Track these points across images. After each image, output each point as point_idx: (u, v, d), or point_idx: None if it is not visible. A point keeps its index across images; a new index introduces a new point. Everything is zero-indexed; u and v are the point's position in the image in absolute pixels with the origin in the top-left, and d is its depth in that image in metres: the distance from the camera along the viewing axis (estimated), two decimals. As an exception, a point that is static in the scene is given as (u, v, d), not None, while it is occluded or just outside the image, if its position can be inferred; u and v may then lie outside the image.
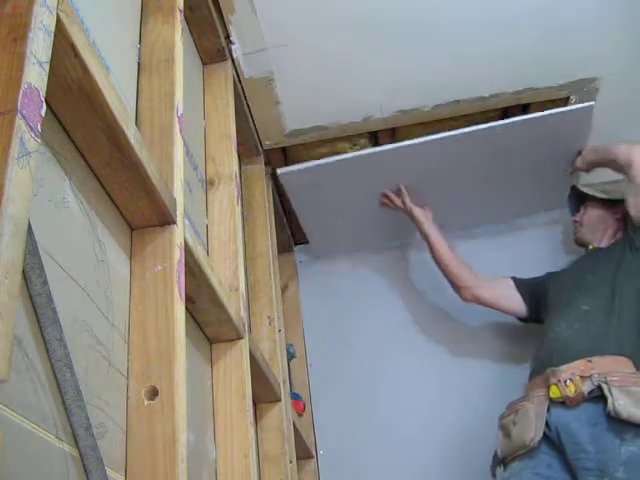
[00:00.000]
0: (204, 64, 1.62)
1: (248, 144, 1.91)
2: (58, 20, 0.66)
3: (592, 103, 1.92)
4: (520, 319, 2.09)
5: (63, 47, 0.69)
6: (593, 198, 2.07)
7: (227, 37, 1.64)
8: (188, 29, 1.51)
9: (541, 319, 2.01)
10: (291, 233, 2.47)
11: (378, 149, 1.99)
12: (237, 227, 1.44)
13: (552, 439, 1.63)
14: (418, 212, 2.12)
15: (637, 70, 1.88)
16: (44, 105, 0.60)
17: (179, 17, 1.16)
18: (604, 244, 2.01)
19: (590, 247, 2.04)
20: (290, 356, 2.08)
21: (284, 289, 2.37)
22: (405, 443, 2.16)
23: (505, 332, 2.21)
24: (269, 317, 1.72)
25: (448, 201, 2.22)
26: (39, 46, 0.61)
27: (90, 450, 0.71)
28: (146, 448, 0.82)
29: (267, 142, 1.99)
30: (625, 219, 1.95)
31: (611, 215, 2.03)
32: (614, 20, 1.73)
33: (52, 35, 0.64)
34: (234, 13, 1.59)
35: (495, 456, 1.75)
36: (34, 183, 0.58)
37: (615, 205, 2.01)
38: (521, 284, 2.07)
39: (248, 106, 1.84)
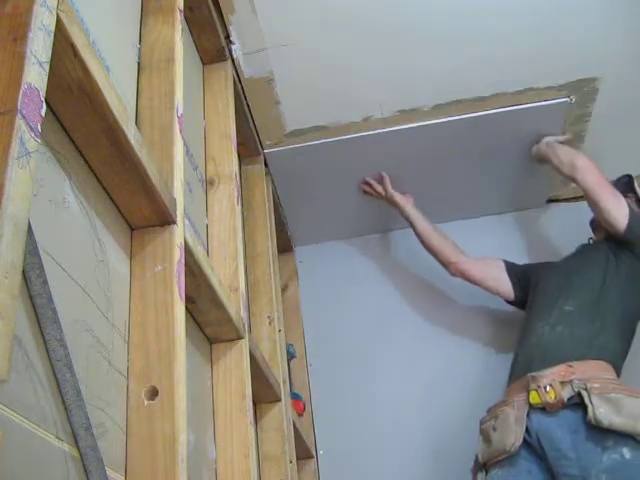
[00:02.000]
0: (204, 64, 1.62)
1: (248, 144, 1.91)
2: (58, 20, 0.66)
3: (566, 99, 1.93)
4: (507, 302, 2.10)
5: (63, 47, 0.69)
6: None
7: (227, 37, 1.64)
8: (188, 29, 1.51)
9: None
10: (290, 234, 2.47)
11: (362, 134, 1.99)
12: (237, 227, 1.44)
13: (532, 445, 1.62)
14: (399, 197, 2.16)
15: (637, 70, 1.88)
16: (44, 105, 0.60)
17: (179, 17, 1.16)
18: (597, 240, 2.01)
19: (590, 239, 2.03)
20: (290, 356, 2.08)
21: (284, 289, 2.37)
22: (405, 443, 2.16)
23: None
24: (269, 317, 1.72)
25: (428, 192, 2.25)
26: (39, 46, 0.61)
27: (90, 450, 0.71)
28: (146, 448, 0.82)
29: (267, 142, 1.99)
30: None
31: None
32: (614, 20, 1.73)
33: (52, 35, 0.64)
34: (234, 13, 1.59)
35: (476, 461, 1.74)
36: (34, 183, 0.58)
37: None
38: (512, 268, 2.08)
39: (248, 106, 1.84)
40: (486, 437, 1.72)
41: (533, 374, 1.67)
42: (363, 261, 2.48)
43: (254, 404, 1.48)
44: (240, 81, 1.76)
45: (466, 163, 2.16)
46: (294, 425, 1.78)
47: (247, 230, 1.82)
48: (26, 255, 0.63)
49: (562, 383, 1.62)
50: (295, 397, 2.05)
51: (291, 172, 2.12)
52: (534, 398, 1.63)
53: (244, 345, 1.32)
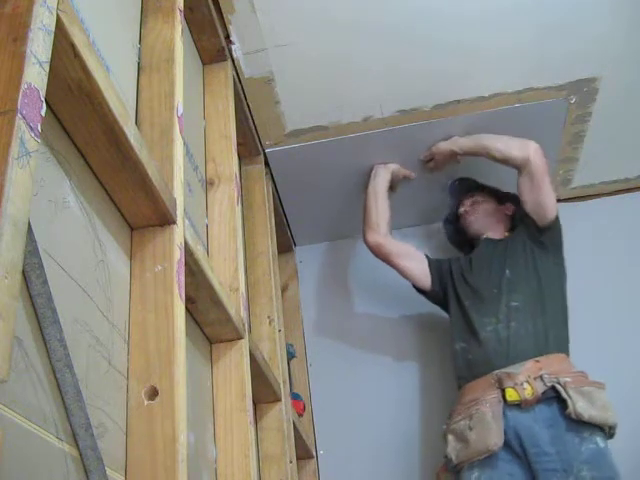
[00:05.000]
0: (204, 64, 1.62)
1: (248, 144, 1.91)
2: (58, 20, 0.66)
3: (566, 99, 1.94)
4: (418, 290, 2.06)
5: (63, 47, 0.69)
6: (483, 192, 2.11)
7: (227, 37, 1.64)
8: (188, 29, 1.51)
9: (443, 302, 2.00)
10: (291, 234, 2.47)
11: (362, 134, 1.99)
12: (237, 227, 1.44)
13: (509, 444, 1.62)
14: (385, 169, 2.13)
15: (637, 70, 1.88)
16: (44, 105, 0.60)
17: (179, 17, 1.16)
18: (498, 236, 2.02)
19: (484, 236, 2.04)
20: (290, 356, 2.08)
21: (284, 289, 2.37)
22: (405, 443, 2.16)
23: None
24: (269, 317, 1.72)
25: (428, 191, 2.27)
26: (39, 46, 0.61)
27: (90, 450, 0.71)
28: (146, 448, 0.82)
29: (267, 142, 1.99)
30: (514, 216, 2.03)
31: (502, 210, 2.08)
32: (614, 20, 1.73)
33: (52, 35, 0.64)
34: (234, 13, 1.59)
35: (449, 462, 1.72)
36: (34, 183, 0.58)
37: (502, 201, 2.09)
38: (432, 261, 2.05)
39: (248, 106, 1.84)
40: (461, 437, 1.70)
41: (506, 371, 1.67)
42: (363, 261, 2.48)
43: (254, 404, 1.49)
44: (240, 81, 1.76)
45: (466, 162, 2.16)
46: (294, 425, 1.78)
47: (247, 230, 1.82)
48: (26, 255, 0.63)
49: (534, 379, 1.64)
50: (295, 397, 2.05)
51: (291, 172, 2.12)
52: (511, 395, 1.64)
53: (244, 345, 1.32)
